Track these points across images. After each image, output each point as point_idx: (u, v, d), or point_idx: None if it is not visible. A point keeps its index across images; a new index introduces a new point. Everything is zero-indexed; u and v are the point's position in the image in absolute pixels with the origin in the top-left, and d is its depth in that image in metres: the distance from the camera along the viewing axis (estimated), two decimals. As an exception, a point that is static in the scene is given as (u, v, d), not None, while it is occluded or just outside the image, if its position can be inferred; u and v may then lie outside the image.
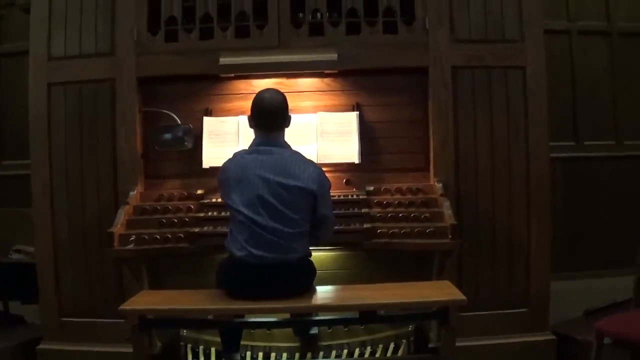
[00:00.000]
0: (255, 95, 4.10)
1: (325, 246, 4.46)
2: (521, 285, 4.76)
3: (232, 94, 4.92)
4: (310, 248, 4.06)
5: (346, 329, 4.68)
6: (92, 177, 4.85)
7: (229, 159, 4.04)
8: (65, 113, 4.87)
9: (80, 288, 4.88)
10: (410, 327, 4.67)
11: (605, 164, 6.89)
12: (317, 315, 4.24)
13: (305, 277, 4.00)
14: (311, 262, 4.07)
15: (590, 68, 6.93)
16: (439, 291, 4.00)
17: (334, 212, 4.20)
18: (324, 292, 4.07)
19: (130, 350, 4.49)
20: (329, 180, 4.06)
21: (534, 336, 4.74)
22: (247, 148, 4.08)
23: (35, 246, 4.97)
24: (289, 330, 4.61)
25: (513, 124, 4.74)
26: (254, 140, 4.07)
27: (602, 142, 7.02)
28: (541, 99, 4.74)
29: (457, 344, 3.97)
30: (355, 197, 4.63)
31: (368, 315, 3.96)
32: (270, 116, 4.00)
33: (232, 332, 4.26)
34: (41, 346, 4.90)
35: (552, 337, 4.74)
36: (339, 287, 4.26)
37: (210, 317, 4.11)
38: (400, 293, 3.97)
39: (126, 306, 3.90)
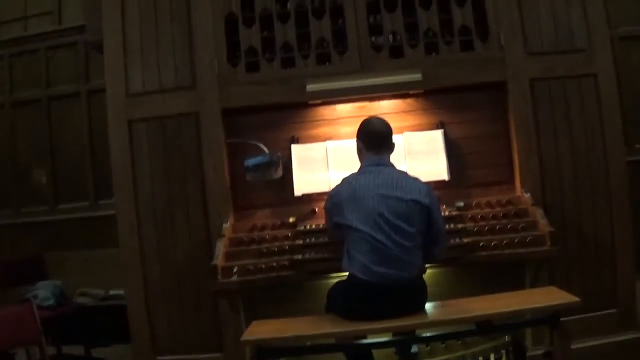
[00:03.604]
0: (362, 121, 4.19)
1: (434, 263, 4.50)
2: (608, 287, 4.86)
3: (316, 120, 4.98)
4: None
5: (443, 345, 4.73)
6: (181, 212, 4.85)
7: (339, 184, 4.10)
8: (149, 149, 4.89)
9: (175, 325, 4.86)
10: (507, 338, 4.74)
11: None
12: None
13: (423, 293, 4.03)
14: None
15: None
16: (549, 296, 4.05)
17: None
18: (436, 307, 4.09)
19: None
20: (435, 195, 4.14)
21: (624, 335, 4.81)
22: (354, 172, 4.13)
23: (126, 287, 4.94)
24: (388, 350, 4.63)
25: (590, 131, 4.87)
26: (362, 163, 4.15)
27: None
28: (614, 104, 4.89)
29: (549, 348, 4.09)
30: (448, 213, 4.68)
31: (484, 326, 4.02)
32: (381, 138, 4.11)
33: (360, 356, 4.27)
34: (136, 386, 4.87)
35: (641, 335, 4.86)
36: (449, 301, 4.25)
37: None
38: (513, 301, 4.02)
39: (246, 337, 3.86)
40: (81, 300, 5.97)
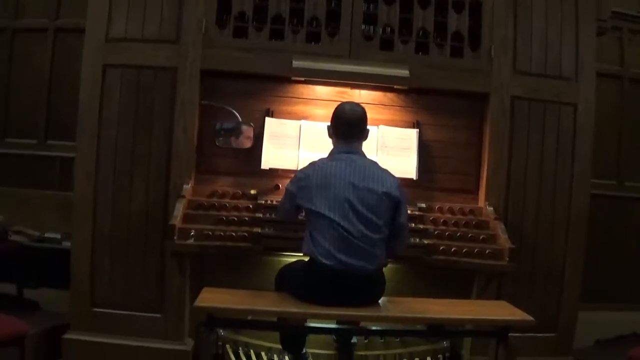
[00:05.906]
0: (336, 106, 4.13)
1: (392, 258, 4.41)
2: (552, 310, 4.94)
3: (294, 97, 4.88)
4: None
5: (382, 340, 4.72)
6: (142, 166, 4.69)
7: (308, 167, 4.03)
8: (119, 97, 4.70)
9: (117, 279, 4.70)
10: (445, 343, 4.77)
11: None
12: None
13: (381, 286, 4.01)
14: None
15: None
16: (502, 310, 4.10)
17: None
18: (389, 303, 4.04)
19: (162, 345, 4.61)
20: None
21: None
22: (325, 157, 4.07)
23: (73, 233, 4.74)
24: (326, 337, 4.64)
25: (561, 158, 4.94)
26: (333, 149, 4.08)
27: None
28: (588, 137, 4.97)
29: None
30: (410, 212, 4.60)
31: (436, 329, 4.01)
32: (352, 126, 4.04)
33: (296, 337, 4.25)
34: (68, 335, 4.68)
35: (575, 361, 4.95)
36: (402, 299, 4.21)
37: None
38: (466, 309, 4.06)
39: (199, 303, 3.75)
40: (15, 238, 5.76)
